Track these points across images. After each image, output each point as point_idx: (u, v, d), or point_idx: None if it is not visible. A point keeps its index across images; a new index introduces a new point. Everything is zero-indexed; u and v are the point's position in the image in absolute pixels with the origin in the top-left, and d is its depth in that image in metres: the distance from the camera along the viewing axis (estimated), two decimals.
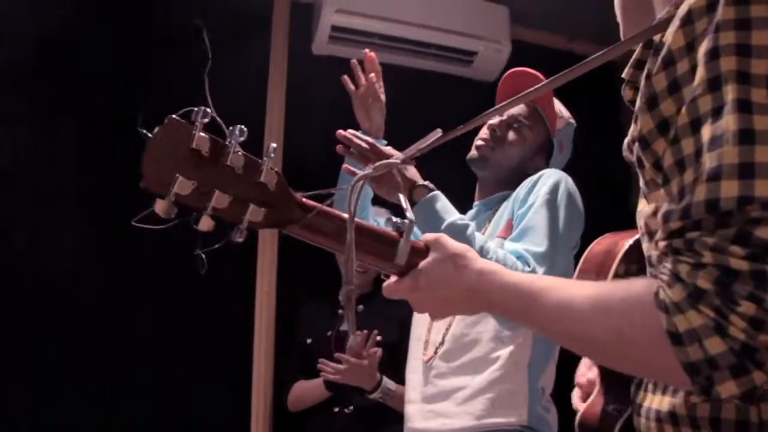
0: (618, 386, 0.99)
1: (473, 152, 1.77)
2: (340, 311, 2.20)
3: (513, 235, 1.54)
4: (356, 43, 2.88)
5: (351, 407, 2.15)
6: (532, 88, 0.89)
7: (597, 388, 1.06)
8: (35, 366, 2.27)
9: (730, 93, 0.59)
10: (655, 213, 0.68)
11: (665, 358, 0.59)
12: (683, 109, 0.63)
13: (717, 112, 0.59)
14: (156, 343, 2.37)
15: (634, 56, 0.79)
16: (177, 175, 0.74)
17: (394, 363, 2.04)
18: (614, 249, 0.98)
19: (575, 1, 2.62)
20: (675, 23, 0.65)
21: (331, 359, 2.09)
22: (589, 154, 2.25)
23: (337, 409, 2.16)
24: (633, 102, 0.81)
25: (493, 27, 2.98)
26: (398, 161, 0.88)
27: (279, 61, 2.88)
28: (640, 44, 0.77)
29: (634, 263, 0.95)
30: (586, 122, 1.98)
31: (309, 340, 2.27)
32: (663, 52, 0.66)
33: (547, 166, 1.76)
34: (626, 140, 0.84)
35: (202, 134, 0.75)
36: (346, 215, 0.81)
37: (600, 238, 1.04)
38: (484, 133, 1.79)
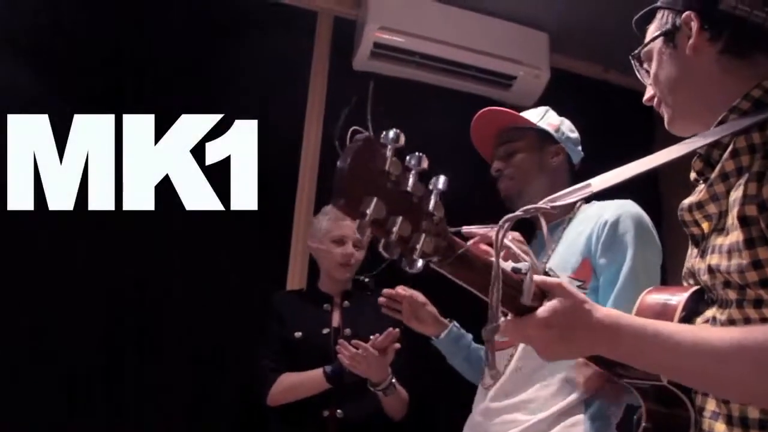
0: None
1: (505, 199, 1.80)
2: (326, 306, 2.24)
3: (611, 300, 1.53)
4: (397, 61, 2.92)
5: (341, 412, 2.06)
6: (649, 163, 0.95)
7: None
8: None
9: None
10: (754, 265, 0.81)
11: None
12: None
13: None
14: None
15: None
16: (374, 197, 0.69)
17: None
18: (670, 302, 1.01)
19: (612, 33, 2.64)
20: None
21: (327, 356, 2.06)
22: None
23: (327, 414, 2.05)
24: (700, 172, 0.96)
25: (533, 53, 3.00)
26: (546, 207, 0.89)
27: (320, 73, 2.93)
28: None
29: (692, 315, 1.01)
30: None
31: (298, 335, 2.15)
32: None
33: (565, 152, 1.80)
34: (686, 203, 0.95)
35: (395, 158, 0.72)
36: (486, 257, 0.84)
37: (647, 291, 1.09)
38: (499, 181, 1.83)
